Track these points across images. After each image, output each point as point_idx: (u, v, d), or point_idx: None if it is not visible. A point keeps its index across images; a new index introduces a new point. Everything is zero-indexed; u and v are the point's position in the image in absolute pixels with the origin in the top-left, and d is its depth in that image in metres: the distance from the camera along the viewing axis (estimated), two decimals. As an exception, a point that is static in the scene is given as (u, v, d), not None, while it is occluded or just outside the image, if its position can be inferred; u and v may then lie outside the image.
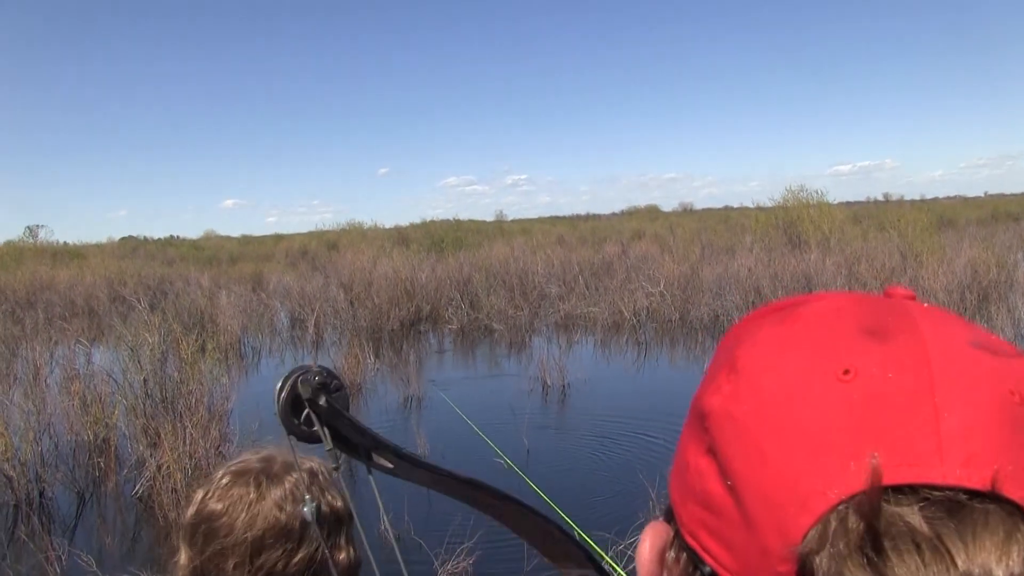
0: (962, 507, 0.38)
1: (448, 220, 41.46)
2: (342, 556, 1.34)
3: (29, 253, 36.15)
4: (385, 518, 2.99)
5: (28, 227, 55.16)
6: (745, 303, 16.50)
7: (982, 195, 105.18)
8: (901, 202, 63.66)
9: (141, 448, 7.84)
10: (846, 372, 0.43)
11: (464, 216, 50.48)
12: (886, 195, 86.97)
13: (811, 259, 17.77)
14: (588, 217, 79.23)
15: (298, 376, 0.87)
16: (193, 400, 7.66)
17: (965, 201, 76.72)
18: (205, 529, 1.28)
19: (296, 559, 1.29)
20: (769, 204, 28.12)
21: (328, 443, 0.88)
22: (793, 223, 23.83)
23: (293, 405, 0.88)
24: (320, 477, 1.37)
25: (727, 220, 44.67)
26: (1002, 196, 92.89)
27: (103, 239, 58.34)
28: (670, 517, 0.53)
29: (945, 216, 35.04)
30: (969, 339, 0.46)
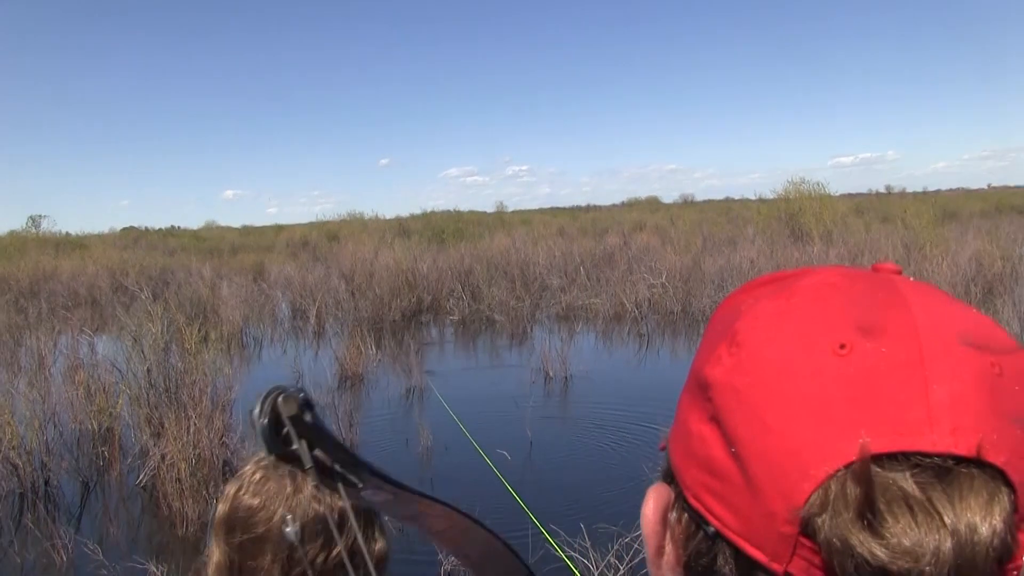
0: (949, 472, 0.43)
1: (449, 211, 41.43)
2: (377, 547, 1.35)
3: (32, 243, 36.17)
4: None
5: (31, 217, 55.40)
6: (747, 295, 16.41)
7: (986, 187, 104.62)
8: (903, 194, 63.55)
9: (144, 438, 7.86)
10: (842, 347, 0.47)
11: (465, 207, 50.66)
12: (888, 187, 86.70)
13: (814, 251, 17.76)
14: (588, 208, 79.17)
15: (279, 394, 0.86)
16: (197, 390, 7.67)
17: (968, 193, 76.24)
18: (242, 525, 1.28)
19: (334, 551, 1.29)
20: (770, 196, 28.09)
21: (308, 460, 0.86)
22: (795, 215, 23.79)
23: (273, 425, 0.88)
24: None
25: (728, 212, 44.63)
26: (1006, 188, 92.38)
27: (105, 229, 58.52)
28: (670, 479, 0.57)
29: (948, 208, 34.88)
30: (953, 313, 0.50)
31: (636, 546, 5.05)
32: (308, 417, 0.83)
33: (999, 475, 0.43)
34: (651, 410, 9.70)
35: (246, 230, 58.26)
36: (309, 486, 1.29)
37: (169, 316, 8.69)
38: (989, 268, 15.95)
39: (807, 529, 0.43)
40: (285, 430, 0.85)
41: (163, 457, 6.86)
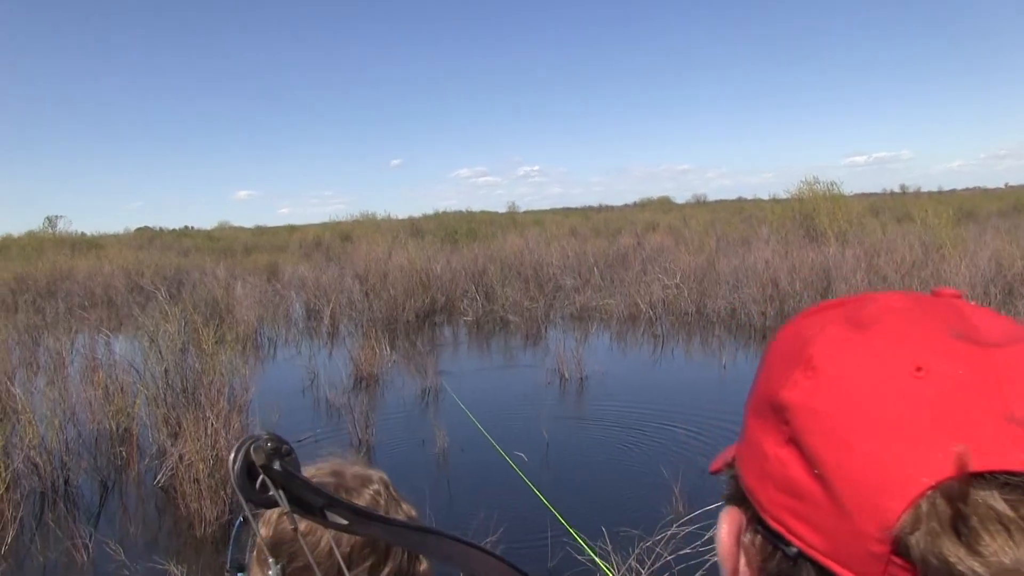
0: None
1: (461, 211, 41.51)
2: (423, 568, 1.34)
3: (49, 243, 36.34)
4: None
5: (48, 217, 55.61)
6: (763, 296, 16.44)
7: (1003, 186, 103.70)
8: (918, 194, 63.17)
9: (162, 438, 7.89)
10: (919, 369, 0.48)
11: (476, 207, 50.65)
12: (903, 187, 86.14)
13: (829, 252, 17.64)
14: (600, 208, 79.12)
15: (250, 444, 0.86)
16: (214, 391, 7.69)
17: (985, 192, 75.60)
18: (289, 550, 1.26)
19: (383, 573, 1.28)
20: (784, 196, 27.97)
21: (285, 506, 0.88)
22: (810, 215, 23.67)
23: (248, 472, 0.88)
24: (392, 488, 1.36)
25: (740, 212, 44.50)
26: (1022, 187, 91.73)
27: (120, 230, 58.70)
28: (739, 501, 0.58)
29: (965, 208, 34.63)
30: (1019, 334, 0.51)
31: (658, 549, 5.02)
32: (277, 465, 0.86)
33: None
34: (668, 411, 9.68)
35: (259, 230, 58.39)
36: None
37: (186, 316, 8.71)
38: (1009, 269, 15.68)
39: (899, 548, 0.44)
40: (260, 478, 0.87)
41: (181, 457, 6.88)
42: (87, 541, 6.12)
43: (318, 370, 11.99)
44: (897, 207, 36.37)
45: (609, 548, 5.07)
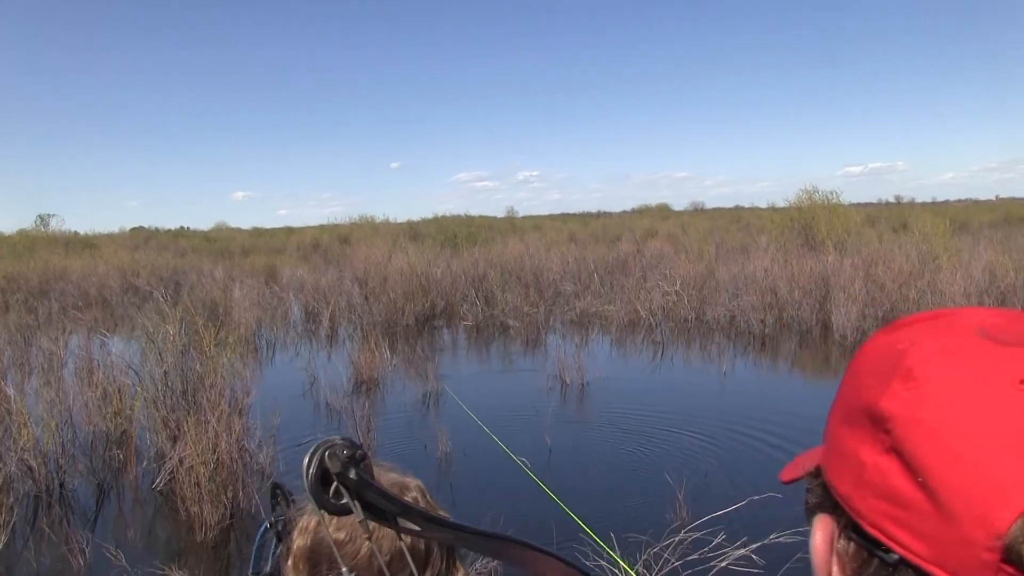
0: None
1: (460, 216, 41.54)
2: (460, 574, 1.34)
3: (41, 242, 36.24)
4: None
5: (40, 216, 55.22)
6: (762, 304, 16.48)
7: (993, 198, 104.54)
8: (913, 204, 63.49)
9: (161, 441, 7.81)
10: (1022, 382, 0.49)
11: (475, 212, 50.61)
12: (897, 197, 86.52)
13: (828, 261, 17.69)
14: (599, 215, 79.17)
15: (325, 450, 0.88)
16: (215, 393, 7.61)
17: (976, 204, 76.37)
18: (328, 560, 1.25)
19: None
20: (782, 204, 28.07)
21: (360, 514, 0.89)
22: (808, 224, 23.75)
23: (322, 479, 0.89)
24: (428, 495, 1.37)
25: (739, 220, 44.67)
26: (1013, 199, 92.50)
27: (114, 229, 58.57)
28: (830, 509, 0.59)
29: (958, 219, 34.85)
30: None
31: (665, 555, 5.01)
32: (353, 474, 0.88)
33: None
34: (670, 418, 9.66)
35: (256, 232, 58.42)
36: None
37: (188, 318, 8.63)
38: (1002, 279, 16.08)
39: (1009, 556, 0.45)
40: (334, 485, 0.89)
41: (181, 461, 6.79)
42: (84, 546, 6.03)
43: (318, 373, 11.93)
44: (893, 217, 36.55)
45: (617, 554, 5.03)
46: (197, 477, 6.55)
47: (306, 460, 0.88)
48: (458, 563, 1.35)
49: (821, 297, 16.25)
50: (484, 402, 10.55)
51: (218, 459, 6.70)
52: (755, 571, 4.98)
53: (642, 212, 64.22)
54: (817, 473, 0.63)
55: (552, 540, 5.77)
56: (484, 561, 5.58)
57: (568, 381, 11.44)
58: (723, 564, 4.98)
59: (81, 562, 5.92)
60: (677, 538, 5.09)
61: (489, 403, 10.56)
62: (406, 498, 1.29)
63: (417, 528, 1.00)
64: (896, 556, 0.51)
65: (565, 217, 74.28)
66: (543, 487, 4.46)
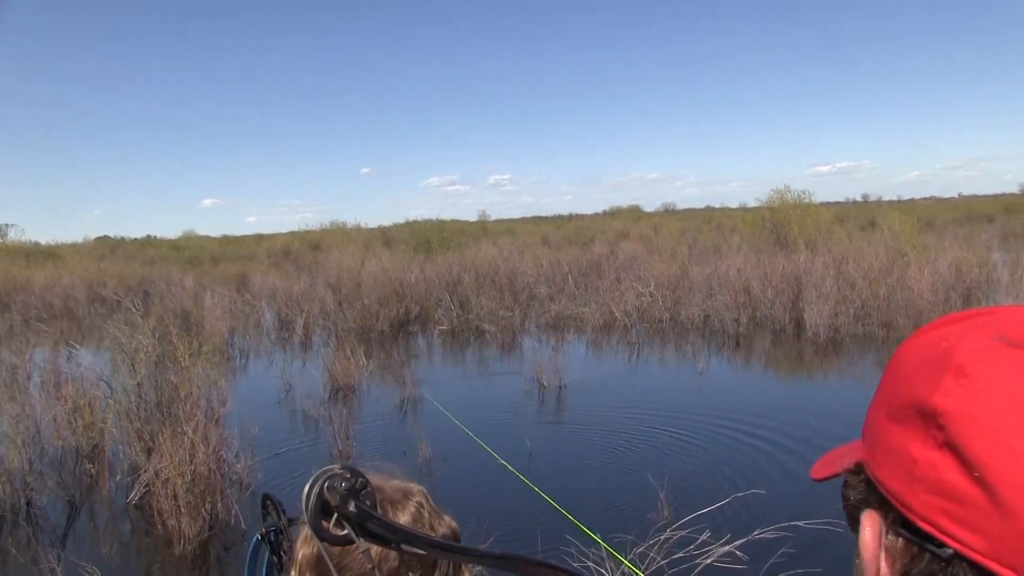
0: None
1: (432, 220, 41.46)
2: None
3: (0, 253, 35.69)
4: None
5: (-3, 225, 54.30)
6: (736, 303, 16.56)
7: (956, 196, 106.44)
8: (880, 203, 64.28)
9: (135, 454, 7.68)
10: None
11: (446, 216, 50.65)
12: (864, 196, 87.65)
13: (800, 260, 17.82)
14: (571, 217, 79.40)
15: (324, 482, 0.89)
16: (190, 404, 7.48)
17: (941, 202, 77.89)
18: (337, 564, 1.19)
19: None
20: (753, 204, 28.26)
21: (362, 545, 0.91)
22: (781, 224, 23.92)
23: (322, 509, 0.90)
24: (431, 500, 1.36)
25: (710, 220, 44.98)
26: (975, 197, 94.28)
27: (78, 239, 57.88)
28: (877, 505, 0.59)
29: (924, 217, 35.40)
30: None
31: (651, 554, 4.99)
32: (352, 506, 0.89)
33: None
34: (648, 418, 9.67)
35: (226, 239, 58.05)
36: (402, 520, 1.28)
37: (162, 328, 8.49)
38: (967, 275, 16.58)
39: None
40: (335, 517, 0.90)
41: (157, 473, 6.66)
42: (54, 565, 5.86)
43: (293, 381, 11.83)
44: (861, 215, 36.97)
45: (603, 553, 5.01)
46: (174, 490, 6.42)
47: (305, 491, 0.89)
48: (464, 570, 1.36)
49: (794, 295, 16.36)
50: (462, 406, 10.48)
51: (195, 471, 6.58)
52: (740, 567, 4.98)
53: (614, 214, 64.36)
54: (858, 470, 0.62)
55: (536, 542, 5.73)
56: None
57: (545, 384, 11.40)
58: (708, 561, 4.98)
59: (54, 580, 5.78)
60: (663, 536, 5.08)
61: (467, 407, 10.49)
62: (411, 503, 1.31)
63: (423, 552, 1.00)
64: (950, 551, 0.51)
65: (537, 220, 74.54)
66: (535, 489, 4.45)
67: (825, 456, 0.72)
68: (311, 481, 0.89)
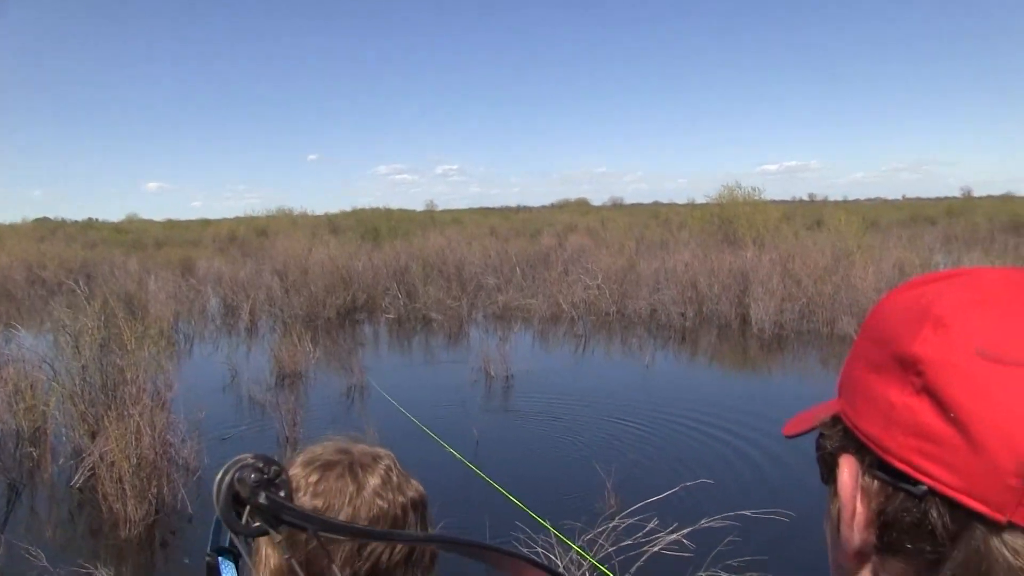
0: None
1: (379, 209, 41.19)
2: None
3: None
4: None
5: (-72, 205, 52.94)
6: (683, 297, 16.75)
7: (900, 198, 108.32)
8: (826, 202, 65.11)
9: (78, 437, 7.59)
10: None
11: (394, 205, 50.26)
12: (811, 195, 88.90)
13: (747, 256, 18.04)
14: (519, 209, 79.45)
15: (235, 473, 0.85)
16: (136, 388, 7.41)
17: (885, 203, 79.12)
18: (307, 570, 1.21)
19: (398, 548, 1.26)
20: (699, 200, 28.52)
21: (276, 536, 0.87)
22: (729, 220, 24.14)
23: (236, 500, 0.86)
24: (399, 465, 1.36)
25: (657, 215, 45.19)
26: (919, 200, 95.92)
27: (17, 219, 56.69)
28: (852, 450, 0.63)
29: (869, 217, 36.00)
30: None
31: (600, 541, 5.05)
32: (263, 498, 0.85)
33: None
34: (596, 409, 9.77)
35: (170, 224, 57.24)
36: (371, 482, 1.27)
37: (108, 311, 8.38)
38: (910, 275, 16.41)
39: None
40: (247, 508, 0.86)
41: (102, 457, 6.59)
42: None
43: (239, 367, 11.75)
44: (808, 214, 37.39)
45: (553, 541, 5.06)
46: (120, 473, 6.36)
47: (215, 483, 0.85)
48: (428, 528, 1.36)
49: (740, 291, 16.58)
50: (409, 395, 10.49)
51: (141, 454, 6.53)
52: (687, 555, 5.06)
53: (562, 207, 64.33)
54: (834, 422, 0.66)
55: (485, 529, 5.78)
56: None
57: (493, 373, 11.46)
58: (656, 549, 5.04)
59: (-6, 562, 5.71)
60: (611, 524, 5.14)
61: (414, 396, 10.50)
62: (379, 466, 1.30)
63: (342, 538, 1.02)
64: (924, 487, 0.55)
65: (485, 211, 74.32)
66: (482, 476, 4.44)
67: (795, 416, 0.73)
68: (221, 472, 0.86)
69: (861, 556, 0.62)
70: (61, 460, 7.71)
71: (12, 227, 47.11)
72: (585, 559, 5.00)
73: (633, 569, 4.95)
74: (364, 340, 15.79)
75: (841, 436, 0.64)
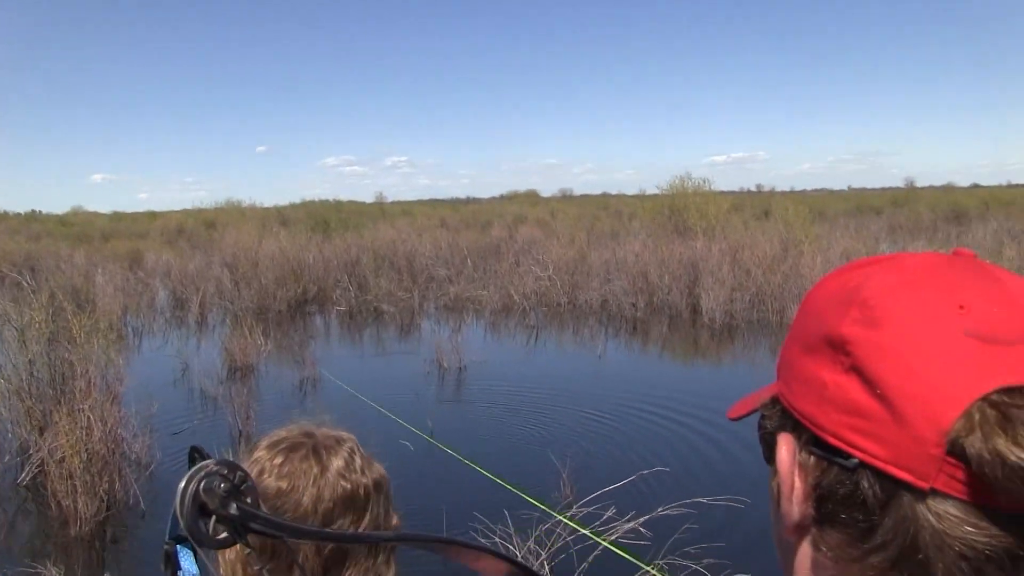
0: None
1: (328, 201, 40.94)
2: (395, 521, 1.38)
3: None
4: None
5: None
6: (633, 288, 16.86)
7: (846, 188, 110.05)
8: (773, 193, 65.82)
9: (25, 433, 7.47)
10: (961, 307, 0.58)
11: (343, 197, 49.93)
12: (759, 186, 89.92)
13: (697, 247, 18.20)
14: (468, 201, 79.39)
15: (200, 482, 0.82)
16: (86, 382, 7.30)
17: (831, 194, 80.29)
18: (272, 510, 1.23)
19: (362, 526, 1.30)
20: (649, 192, 28.66)
21: (246, 546, 0.84)
22: (679, 211, 24.31)
23: (200, 509, 0.83)
24: (362, 450, 1.39)
25: (607, 207, 45.41)
26: (864, 190, 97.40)
27: (-45, 211, 55.51)
28: (789, 429, 0.66)
29: (815, 208, 36.49)
30: None
31: (558, 531, 5.08)
32: (233, 508, 0.83)
33: None
34: (550, 399, 9.83)
35: (116, 216, 56.33)
36: (335, 464, 1.30)
37: (55, 305, 8.24)
38: None
39: (952, 449, 0.53)
40: (212, 520, 0.83)
41: (51, 452, 6.49)
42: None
43: (190, 360, 11.64)
44: (756, 205, 37.79)
45: (511, 530, 5.09)
46: (70, 469, 6.26)
47: (178, 495, 0.82)
48: (392, 508, 1.39)
49: (690, 282, 16.73)
50: (362, 387, 10.42)
51: (92, 449, 6.44)
52: (644, 543, 5.10)
53: (512, 198, 64.42)
54: (773, 403, 0.69)
55: (442, 520, 5.81)
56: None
57: (446, 365, 11.47)
58: (613, 538, 5.08)
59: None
60: (569, 514, 5.17)
61: (367, 388, 10.43)
62: (343, 449, 1.34)
63: (310, 542, 1.03)
64: (855, 461, 0.58)
65: (434, 203, 74.24)
66: (462, 459, 4.46)
67: (739, 401, 0.77)
68: (184, 483, 0.82)
69: (801, 529, 0.65)
70: (7, 457, 7.55)
71: (-49, 219, 46.13)
72: (542, 551, 5.06)
73: (590, 558, 4.99)
74: (315, 333, 15.71)
75: (779, 416, 0.68)
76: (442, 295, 18.68)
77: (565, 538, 5.07)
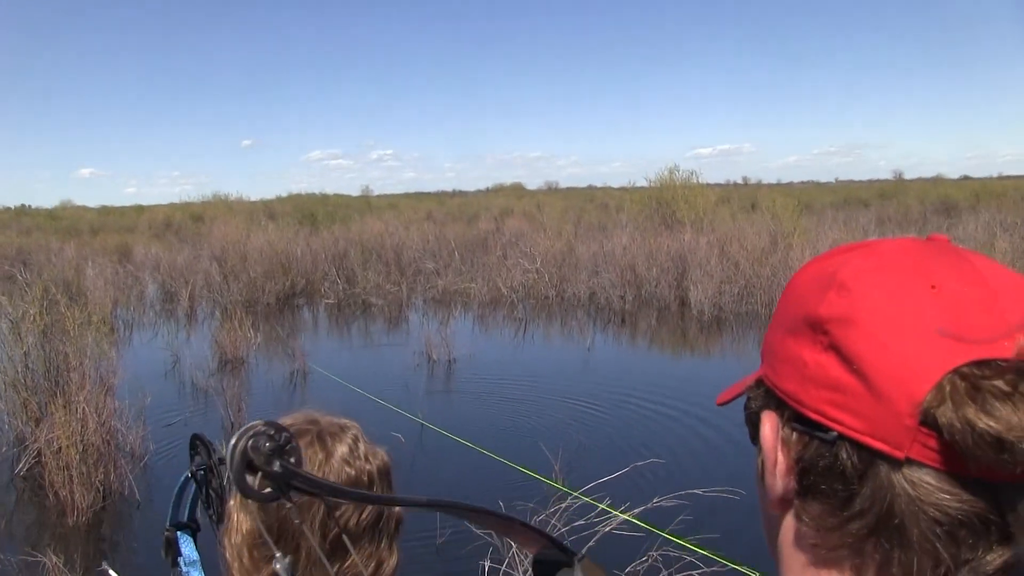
0: None
1: (315, 194, 40.88)
2: (397, 509, 1.39)
3: None
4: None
5: None
6: (621, 280, 16.91)
7: (833, 181, 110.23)
8: (760, 185, 65.77)
9: (21, 424, 7.53)
10: (933, 287, 0.62)
11: (329, 190, 49.89)
12: (745, 178, 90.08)
13: (685, 239, 18.23)
14: (454, 194, 79.22)
15: (248, 440, 0.88)
16: (81, 374, 7.36)
17: (818, 186, 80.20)
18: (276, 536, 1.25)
19: (365, 513, 1.31)
20: (636, 184, 28.56)
21: (288, 501, 0.90)
22: (667, 203, 24.36)
23: (248, 465, 0.88)
24: (364, 437, 1.40)
25: (592, 199, 45.35)
26: (851, 183, 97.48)
27: (-55, 207, 55.26)
28: (773, 407, 0.70)
29: (803, 200, 36.49)
30: (999, 266, 0.65)
31: (552, 521, 5.12)
32: (277, 466, 0.88)
33: None
34: (540, 391, 9.89)
35: (105, 210, 56.11)
36: (340, 450, 1.32)
37: (48, 298, 8.29)
38: None
39: (926, 419, 0.56)
40: (259, 475, 0.88)
41: (48, 444, 6.57)
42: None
43: (180, 353, 11.67)
44: (743, 197, 37.78)
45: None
46: (66, 460, 6.34)
47: (228, 451, 0.88)
48: (394, 546, 1.39)
49: (679, 274, 16.79)
50: (351, 380, 10.50)
51: (88, 440, 6.52)
52: (638, 535, 5.14)
53: (497, 191, 64.15)
54: (758, 385, 0.73)
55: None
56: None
57: (435, 357, 11.53)
58: (608, 529, 5.13)
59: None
60: (563, 504, 5.21)
61: (356, 381, 10.49)
62: (347, 436, 1.35)
63: (347, 502, 1.08)
64: (835, 434, 0.61)
65: (420, 196, 74.04)
66: (445, 433, 4.54)
67: (727, 389, 0.80)
68: (234, 440, 0.87)
69: (784, 502, 0.69)
70: (4, 449, 7.62)
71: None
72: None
73: (584, 549, 5.04)
74: (304, 325, 15.77)
75: (763, 397, 0.71)
76: (430, 288, 18.72)
77: (560, 529, 5.11)
